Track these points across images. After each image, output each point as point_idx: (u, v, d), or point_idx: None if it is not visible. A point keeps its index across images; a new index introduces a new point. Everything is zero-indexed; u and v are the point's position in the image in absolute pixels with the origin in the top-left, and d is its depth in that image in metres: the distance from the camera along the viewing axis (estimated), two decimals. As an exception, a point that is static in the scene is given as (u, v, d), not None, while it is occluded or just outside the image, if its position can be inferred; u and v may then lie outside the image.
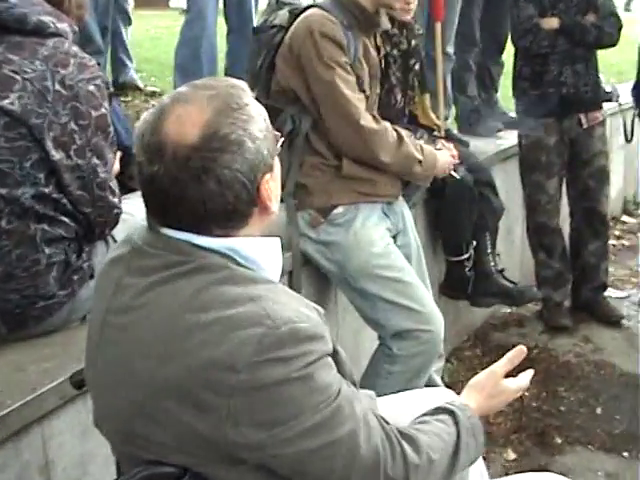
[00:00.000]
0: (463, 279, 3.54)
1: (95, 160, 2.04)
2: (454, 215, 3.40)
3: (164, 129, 1.28)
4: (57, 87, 1.95)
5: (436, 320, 2.63)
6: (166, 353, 1.26)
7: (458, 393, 3.31)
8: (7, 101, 1.89)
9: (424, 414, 1.57)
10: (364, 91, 2.57)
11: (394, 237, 2.75)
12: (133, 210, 2.37)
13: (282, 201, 2.64)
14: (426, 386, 2.73)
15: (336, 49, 2.48)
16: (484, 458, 3.04)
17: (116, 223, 2.20)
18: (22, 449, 1.78)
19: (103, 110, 2.04)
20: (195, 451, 1.27)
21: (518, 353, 1.68)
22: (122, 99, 4.39)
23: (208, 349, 1.23)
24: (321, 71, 2.48)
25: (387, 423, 1.42)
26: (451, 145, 3.30)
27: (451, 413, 1.55)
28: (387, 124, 2.61)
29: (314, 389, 1.28)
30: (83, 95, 1.99)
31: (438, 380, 2.89)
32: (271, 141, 1.36)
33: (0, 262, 1.94)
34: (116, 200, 2.14)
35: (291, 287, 2.67)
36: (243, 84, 1.37)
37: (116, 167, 2.34)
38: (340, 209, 2.61)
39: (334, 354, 1.38)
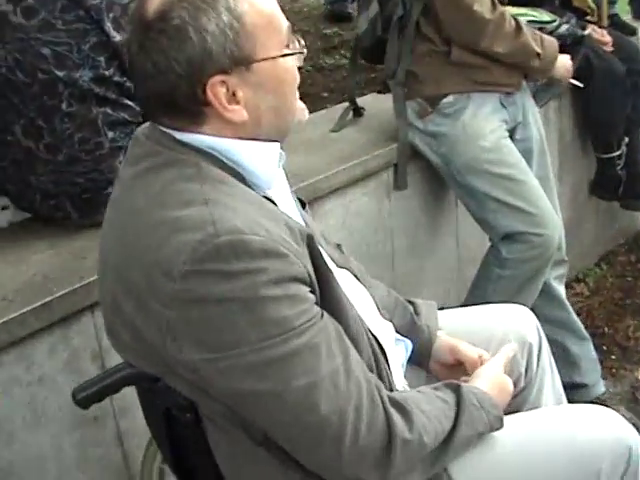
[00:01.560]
0: (614, 178, 3.23)
1: None
2: (604, 108, 3.06)
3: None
4: None
5: (551, 223, 2.40)
6: (130, 250, 1.19)
7: (601, 302, 3.06)
8: None
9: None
10: None
11: (512, 130, 2.50)
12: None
13: (389, 90, 2.49)
14: (543, 293, 2.53)
15: None
16: (612, 375, 2.84)
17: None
18: (71, 335, 1.79)
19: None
20: (150, 358, 1.21)
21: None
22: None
23: (153, 251, 1.14)
24: None
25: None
26: (604, 31, 2.99)
27: (456, 389, 1.38)
28: (505, 10, 2.34)
29: (262, 318, 1.12)
30: None
31: (559, 289, 2.66)
32: (236, 45, 1.18)
33: (63, 145, 1.91)
34: None
35: (395, 180, 2.52)
36: None
37: None
38: (450, 98, 2.39)
39: (327, 289, 1.24)
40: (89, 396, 1.31)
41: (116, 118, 1.95)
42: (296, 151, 2.47)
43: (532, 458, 1.41)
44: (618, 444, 1.42)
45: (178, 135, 1.22)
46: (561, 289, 2.67)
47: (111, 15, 1.86)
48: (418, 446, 1.26)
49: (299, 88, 1.32)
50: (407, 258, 2.65)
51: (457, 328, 1.72)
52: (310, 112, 2.80)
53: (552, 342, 2.54)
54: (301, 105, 1.35)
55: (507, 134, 2.44)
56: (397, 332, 1.60)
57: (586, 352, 2.69)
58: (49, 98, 1.88)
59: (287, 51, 1.25)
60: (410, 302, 1.72)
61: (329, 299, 1.25)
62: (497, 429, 1.40)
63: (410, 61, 2.40)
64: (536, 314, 2.57)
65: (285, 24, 1.26)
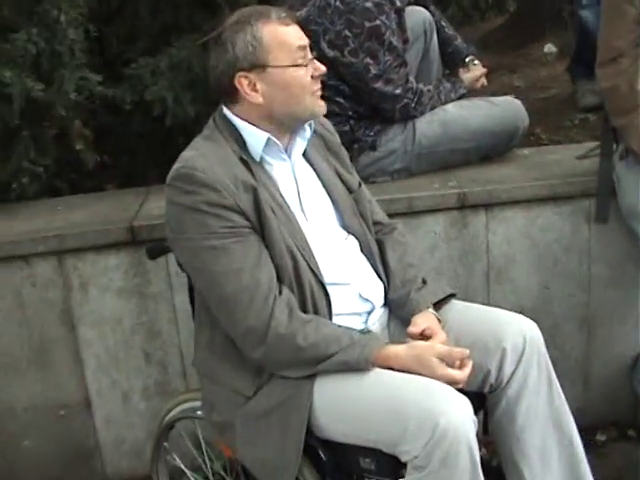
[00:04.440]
0: None
1: (368, 60, 2.68)
2: None
3: None
4: (337, 4, 2.65)
5: None
6: None
7: None
8: (299, 12, 2.68)
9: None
10: None
11: None
12: (454, 110, 2.89)
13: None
14: None
15: None
16: None
17: (405, 112, 2.80)
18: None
19: (377, 22, 2.64)
20: None
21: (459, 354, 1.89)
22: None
23: None
24: None
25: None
26: None
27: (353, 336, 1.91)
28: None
29: (196, 221, 1.88)
30: (358, 10, 2.63)
31: None
32: (253, 55, 1.91)
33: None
34: (397, 91, 2.75)
35: (597, 211, 2.76)
36: (287, 19, 1.96)
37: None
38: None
39: (265, 225, 1.92)
40: (152, 251, 2.28)
41: (329, 109, 2.73)
42: (509, 165, 2.93)
43: (365, 403, 1.87)
44: (429, 413, 1.75)
45: (224, 109, 2.03)
46: None
47: (326, 37, 2.66)
48: (289, 342, 1.86)
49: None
50: (607, 287, 2.85)
51: (452, 319, 2.12)
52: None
53: None
54: (320, 102, 2.04)
55: None
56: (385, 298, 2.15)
57: None
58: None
59: (292, 64, 1.94)
60: (425, 281, 2.19)
61: (266, 232, 1.93)
62: (362, 368, 1.88)
63: None
64: None
65: (295, 45, 1.94)
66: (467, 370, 1.89)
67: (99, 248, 2.72)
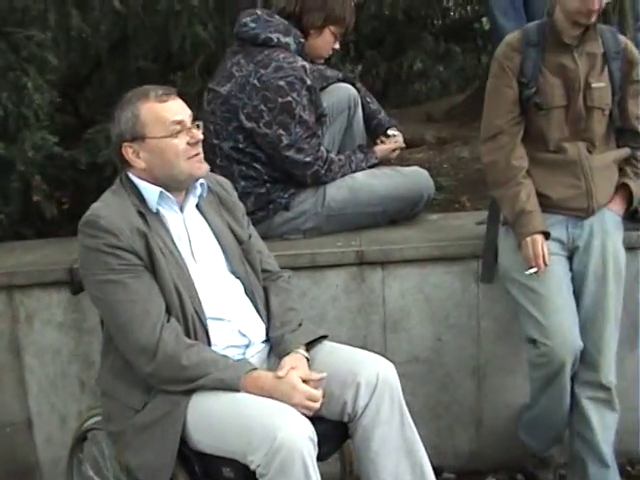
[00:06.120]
0: None
1: (280, 131, 3.08)
2: None
3: None
4: (254, 82, 3.07)
5: (558, 337, 2.65)
6: None
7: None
8: (223, 88, 3.13)
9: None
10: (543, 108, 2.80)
11: (573, 250, 2.83)
12: (362, 177, 3.28)
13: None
14: (574, 408, 2.80)
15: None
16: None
17: (315, 178, 3.19)
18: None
19: (289, 98, 3.05)
20: None
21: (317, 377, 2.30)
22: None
23: None
24: None
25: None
26: None
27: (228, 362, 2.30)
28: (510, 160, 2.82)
29: (97, 260, 2.27)
30: (273, 88, 3.05)
31: (588, 409, 2.78)
32: (133, 129, 2.31)
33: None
34: (307, 159, 3.14)
35: (482, 271, 3.10)
36: (163, 97, 2.34)
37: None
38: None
39: (156, 266, 2.30)
40: (74, 287, 2.66)
41: (247, 174, 3.15)
42: (413, 227, 3.30)
43: (223, 420, 2.22)
44: (269, 429, 2.10)
45: (128, 170, 2.43)
46: (592, 410, 2.78)
47: (245, 111, 3.09)
48: (175, 361, 2.23)
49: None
50: (495, 341, 3.17)
51: (319, 358, 2.46)
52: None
53: (577, 459, 2.86)
54: (198, 165, 2.39)
55: (557, 251, 2.80)
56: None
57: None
58: (212, 155, 3.12)
59: (166, 135, 2.33)
60: (301, 324, 2.54)
61: (156, 272, 2.32)
62: (234, 387, 2.24)
63: None
64: (570, 428, 2.87)
65: (170, 119, 2.32)
66: (320, 390, 2.27)
67: (43, 286, 3.12)
